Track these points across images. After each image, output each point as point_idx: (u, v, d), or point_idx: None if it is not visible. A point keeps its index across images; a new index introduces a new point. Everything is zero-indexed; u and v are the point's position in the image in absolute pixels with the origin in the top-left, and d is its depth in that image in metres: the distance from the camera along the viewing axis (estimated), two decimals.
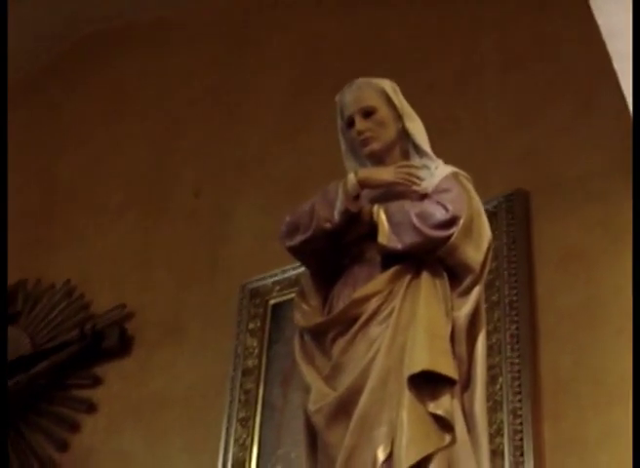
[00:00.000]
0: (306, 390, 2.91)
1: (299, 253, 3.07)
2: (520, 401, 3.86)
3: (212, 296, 4.87)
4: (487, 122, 4.54)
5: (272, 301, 4.75)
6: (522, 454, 3.77)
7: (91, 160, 5.79)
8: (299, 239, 3.01)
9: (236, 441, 4.47)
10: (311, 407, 2.85)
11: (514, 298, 4.05)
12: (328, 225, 2.95)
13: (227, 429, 4.50)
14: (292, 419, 4.38)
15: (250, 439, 4.45)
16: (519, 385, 3.89)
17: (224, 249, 5.00)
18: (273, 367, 4.59)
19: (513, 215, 4.21)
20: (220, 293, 4.84)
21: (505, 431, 3.80)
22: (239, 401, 4.55)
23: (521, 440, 3.80)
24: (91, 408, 4.97)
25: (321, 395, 2.84)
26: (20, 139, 6.18)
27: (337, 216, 2.94)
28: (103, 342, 5.03)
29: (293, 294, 4.62)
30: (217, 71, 5.62)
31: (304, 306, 3.05)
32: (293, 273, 4.63)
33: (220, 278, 4.91)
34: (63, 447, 4.95)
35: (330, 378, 2.86)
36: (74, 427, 4.96)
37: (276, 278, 4.75)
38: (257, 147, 5.19)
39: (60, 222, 5.66)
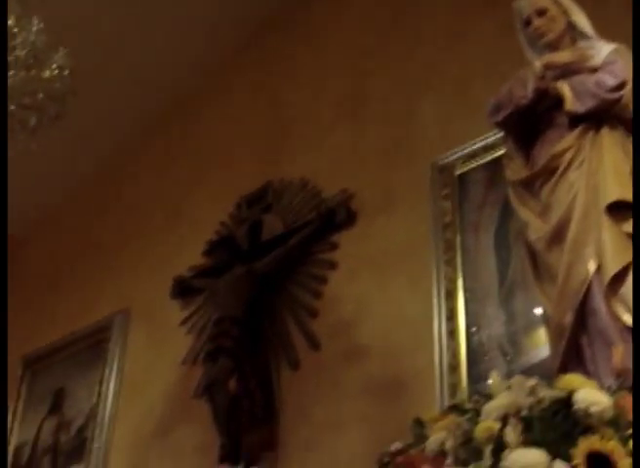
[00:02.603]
0: (525, 225, 2.91)
1: (503, 124, 3.06)
2: None
3: (411, 174, 4.83)
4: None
5: (457, 172, 4.68)
6: None
7: (308, 91, 5.74)
8: (502, 114, 3.00)
9: (445, 276, 4.45)
10: (532, 236, 2.86)
11: None
12: (524, 101, 2.94)
13: (437, 268, 4.47)
14: (483, 258, 4.37)
15: (455, 274, 4.43)
16: None
17: (415, 137, 4.94)
18: (464, 219, 4.53)
19: None
20: (416, 171, 4.79)
21: None
22: (442, 248, 4.54)
23: None
24: (333, 265, 5.02)
25: (538, 228, 2.85)
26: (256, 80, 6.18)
27: (530, 93, 2.91)
28: (335, 218, 5.06)
29: (472, 165, 4.64)
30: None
31: (512, 165, 3.04)
32: (471, 148, 4.59)
33: (415, 160, 4.85)
34: (318, 295, 5.02)
35: (542, 215, 2.86)
36: (323, 281, 5.03)
37: (458, 154, 4.67)
38: (431, 58, 5.05)
39: (292, 136, 5.68)
